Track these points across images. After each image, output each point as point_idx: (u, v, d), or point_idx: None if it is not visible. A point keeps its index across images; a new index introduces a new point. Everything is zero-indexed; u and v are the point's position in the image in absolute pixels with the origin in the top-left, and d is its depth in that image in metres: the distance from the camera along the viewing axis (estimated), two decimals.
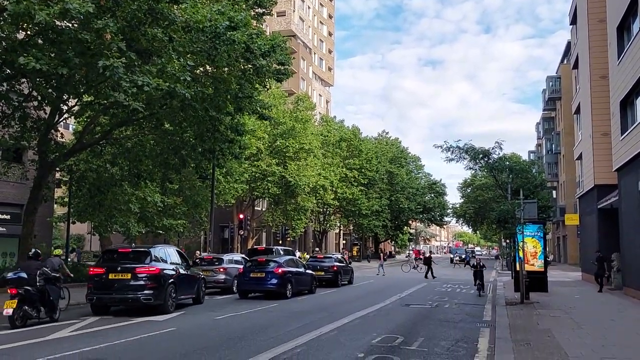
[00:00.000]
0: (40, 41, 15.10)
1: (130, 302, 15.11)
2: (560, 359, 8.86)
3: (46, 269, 13.65)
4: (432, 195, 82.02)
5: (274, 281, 20.16)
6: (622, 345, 10.15)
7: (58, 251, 17.98)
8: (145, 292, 14.89)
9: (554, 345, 10.08)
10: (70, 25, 14.12)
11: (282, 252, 28.10)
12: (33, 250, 14.46)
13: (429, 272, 35.28)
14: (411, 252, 39.49)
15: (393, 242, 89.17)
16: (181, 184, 28.36)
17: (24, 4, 12.50)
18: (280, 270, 20.38)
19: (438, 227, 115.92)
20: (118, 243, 32.46)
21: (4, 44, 14.32)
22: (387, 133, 79.15)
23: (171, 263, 16.56)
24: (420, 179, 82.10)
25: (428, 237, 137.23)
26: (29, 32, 15.12)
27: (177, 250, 17.97)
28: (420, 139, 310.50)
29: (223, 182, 31.90)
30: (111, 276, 14.83)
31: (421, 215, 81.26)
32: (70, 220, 25.98)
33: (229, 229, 42.99)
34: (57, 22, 13.64)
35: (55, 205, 28.97)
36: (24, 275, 13.00)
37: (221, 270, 22.48)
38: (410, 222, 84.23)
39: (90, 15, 12.95)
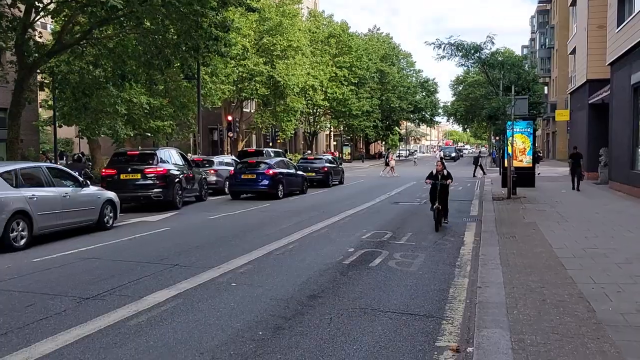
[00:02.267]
0: None
1: (142, 199, 16.35)
2: (544, 250, 9.15)
3: (87, 170, 14.33)
4: (424, 93, 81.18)
5: (265, 182, 20.35)
6: (605, 236, 10.48)
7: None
8: (155, 190, 16.33)
9: (538, 238, 10.38)
10: None
11: (272, 154, 28.16)
12: (76, 154, 15.05)
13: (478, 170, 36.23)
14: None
15: (384, 142, 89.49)
16: (167, 85, 27.73)
17: None
18: (271, 172, 20.52)
19: (428, 127, 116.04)
20: (107, 146, 32.31)
21: None
22: (378, 29, 76.83)
23: (174, 164, 17.68)
24: (411, 77, 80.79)
25: (418, 136, 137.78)
26: None
27: (179, 153, 19.09)
28: (411, 35, 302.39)
29: (209, 82, 31.22)
30: (122, 177, 15.88)
31: (412, 115, 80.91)
32: (57, 124, 25.63)
33: (218, 131, 42.75)
34: None
35: (40, 109, 28.44)
36: None
37: (212, 172, 22.60)
38: (400, 122, 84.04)
39: None
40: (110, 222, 13.23)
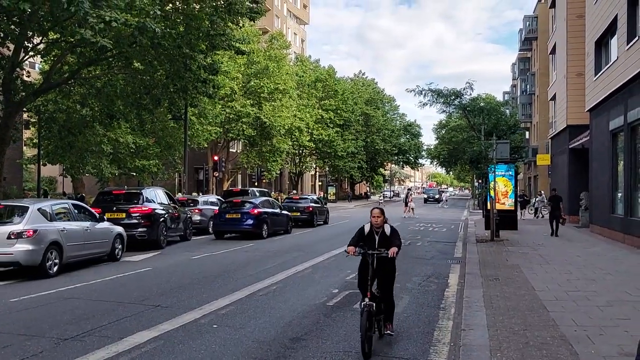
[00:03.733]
0: None
1: (126, 239, 15.80)
2: (527, 292, 9.20)
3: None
4: (408, 136, 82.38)
5: (250, 222, 20.30)
6: (587, 279, 10.57)
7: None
8: (140, 229, 16.23)
9: (521, 280, 10.44)
10: None
11: (257, 194, 28.17)
12: (79, 194, 15.19)
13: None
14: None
15: (368, 183, 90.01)
16: (154, 125, 27.86)
17: None
18: (256, 211, 20.50)
19: (412, 169, 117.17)
20: (91, 185, 32.11)
21: None
22: (363, 74, 78.40)
23: (160, 203, 17.71)
24: (395, 120, 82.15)
25: (403, 178, 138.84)
26: None
27: (165, 192, 19.14)
28: (396, 80, 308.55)
29: (197, 123, 31.44)
30: (107, 215, 15.53)
31: (396, 157, 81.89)
32: (41, 162, 25.51)
33: (203, 171, 42.74)
34: None
35: (24, 147, 28.33)
36: None
37: (196, 211, 22.51)
38: (385, 163, 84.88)
39: None
40: (120, 254, 14.29)
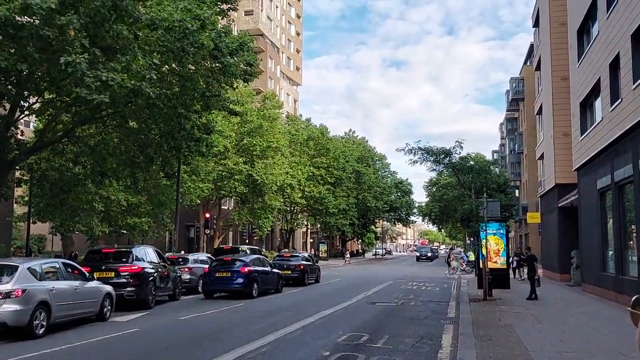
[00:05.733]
0: None
1: (115, 298, 15.51)
2: (520, 353, 9.10)
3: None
4: (399, 194, 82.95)
5: (240, 280, 20.08)
6: (580, 339, 10.48)
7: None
8: (128, 289, 15.97)
9: (515, 341, 10.35)
10: (31, 20, 13.76)
11: (248, 251, 27.98)
12: (73, 252, 15.11)
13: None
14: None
15: (360, 240, 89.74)
16: (146, 183, 27.96)
17: None
18: (246, 270, 20.32)
19: (404, 226, 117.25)
20: (80, 243, 31.81)
21: None
22: (353, 132, 79.67)
23: (150, 262, 17.48)
24: (386, 177, 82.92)
25: (394, 235, 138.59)
26: None
27: (155, 250, 18.89)
28: (386, 138, 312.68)
29: (189, 181, 31.57)
30: (96, 275, 15.28)
31: (388, 214, 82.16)
32: (31, 220, 25.36)
33: (194, 228, 42.56)
34: (18, 18, 13.28)
35: (15, 205, 28.21)
36: None
37: (186, 270, 22.28)
38: (377, 220, 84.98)
39: (53, 11, 12.69)
40: (108, 314, 14.04)
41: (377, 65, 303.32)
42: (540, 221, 36.43)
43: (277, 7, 76.42)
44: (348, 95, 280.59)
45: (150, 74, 15.15)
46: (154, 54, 16.25)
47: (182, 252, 31.07)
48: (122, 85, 14.02)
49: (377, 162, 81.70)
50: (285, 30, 79.73)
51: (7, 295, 10.75)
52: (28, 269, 11.58)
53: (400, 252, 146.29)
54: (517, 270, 29.84)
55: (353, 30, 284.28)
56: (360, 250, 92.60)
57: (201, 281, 21.61)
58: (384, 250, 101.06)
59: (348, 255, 62.82)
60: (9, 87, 16.80)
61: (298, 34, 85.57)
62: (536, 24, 37.23)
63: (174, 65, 18.29)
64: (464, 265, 39.33)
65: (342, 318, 14.78)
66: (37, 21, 13.51)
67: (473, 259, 34.87)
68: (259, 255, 24.67)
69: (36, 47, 13.73)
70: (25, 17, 13.56)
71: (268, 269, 22.60)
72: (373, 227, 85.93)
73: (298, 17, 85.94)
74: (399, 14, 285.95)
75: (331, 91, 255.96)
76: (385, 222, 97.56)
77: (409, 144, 19.10)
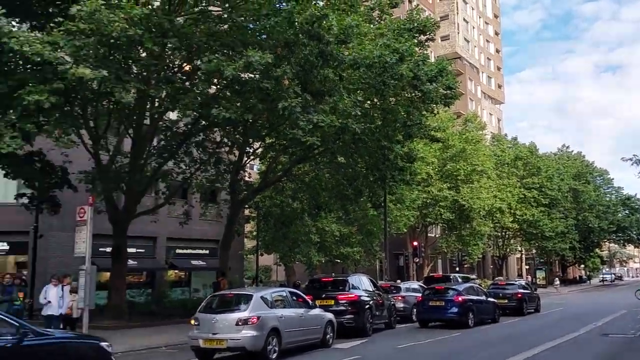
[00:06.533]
0: (228, 93, 16.88)
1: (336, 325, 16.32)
2: None
3: None
4: (627, 212, 73.70)
5: (454, 310, 19.66)
6: None
7: None
8: (347, 316, 16.49)
9: None
10: (252, 76, 15.59)
11: (460, 280, 27.32)
12: (296, 281, 16.27)
13: None
14: None
15: (583, 265, 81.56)
16: (355, 214, 29.26)
17: (215, 62, 14.12)
18: (460, 299, 19.84)
19: (636, 248, 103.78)
20: (300, 272, 34.26)
21: (199, 99, 16.24)
22: (567, 147, 73.57)
23: (365, 290, 17.95)
24: (610, 194, 74.47)
25: (624, 258, 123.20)
26: (218, 87, 16.98)
27: (369, 279, 19.39)
28: (606, 151, 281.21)
29: (395, 210, 32.17)
30: (318, 302, 16.05)
31: (614, 235, 73.51)
32: (259, 253, 28.12)
33: (403, 257, 42.96)
34: (242, 75, 15.13)
35: (245, 240, 31.60)
36: None
37: (399, 298, 22.52)
38: (602, 243, 76.55)
39: (270, 65, 14.20)
40: (331, 341, 14.65)
41: (588, 72, 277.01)
42: None
43: (473, 27, 75.04)
44: (557, 108, 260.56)
45: (355, 111, 16.05)
46: (358, 91, 17.19)
47: (399, 281, 31.55)
48: (331, 125, 15.06)
49: (598, 178, 74.03)
50: (483, 50, 77.73)
51: (245, 322, 11.89)
52: (261, 297, 12.69)
53: (632, 277, 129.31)
54: None
55: (557, 39, 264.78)
56: (585, 276, 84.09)
57: (415, 310, 21.65)
58: (612, 275, 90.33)
59: (557, 282, 57.21)
60: (237, 136, 19.18)
61: (497, 51, 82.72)
62: None
63: (375, 99, 19.10)
64: None
65: (569, 351, 13.58)
66: (257, 76, 15.28)
67: None
68: (472, 284, 23.93)
69: (257, 98, 15.49)
70: (248, 73, 15.42)
71: (483, 297, 21.78)
72: (598, 250, 77.58)
73: (496, 34, 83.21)
74: (610, 14, 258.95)
75: (537, 106, 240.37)
76: (612, 244, 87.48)
77: (637, 155, 17.08)
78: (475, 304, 20.58)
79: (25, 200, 17.52)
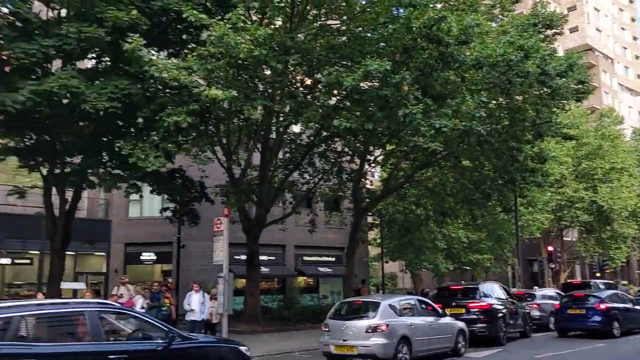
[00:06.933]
0: (347, 103, 17.17)
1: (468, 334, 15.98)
2: None
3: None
4: None
5: (597, 318, 18.27)
6: None
7: None
8: (479, 325, 16.04)
9: None
10: (371, 84, 15.74)
11: (601, 286, 25.34)
12: (424, 289, 16.43)
13: None
14: None
15: None
16: (484, 219, 28.31)
17: (334, 74, 14.46)
18: (602, 306, 18.41)
19: None
20: (427, 280, 33.75)
21: (320, 111, 16.70)
22: None
23: (497, 298, 17.40)
24: None
25: None
26: (338, 97, 17.34)
27: (501, 286, 18.81)
28: None
29: (526, 214, 30.61)
30: (448, 311, 15.83)
31: None
32: (383, 260, 28.15)
33: (537, 263, 40.68)
34: (361, 84, 15.31)
35: (369, 247, 31.79)
36: None
37: (534, 306, 21.40)
38: None
39: (388, 72, 14.24)
40: (463, 350, 14.35)
41: None
42: None
43: (606, 16, 69.60)
44: None
45: (480, 112, 15.58)
46: (481, 92, 16.67)
47: (535, 287, 29.99)
48: (454, 128, 14.75)
49: None
50: (618, 39, 71.73)
51: (374, 329, 11.97)
52: (389, 305, 12.70)
53: None
54: None
55: None
56: None
57: (552, 318, 20.47)
58: None
59: None
60: (358, 145, 19.42)
61: (635, 38, 75.93)
62: None
63: (501, 99, 18.41)
64: None
65: None
66: (376, 84, 15.39)
67: None
68: (616, 291, 22.13)
69: (377, 106, 15.58)
70: (366, 82, 15.59)
71: (629, 305, 20.04)
72: None
73: (633, 20, 76.46)
74: None
75: None
76: None
77: None
78: (621, 312, 19.00)
79: (169, 213, 19.01)
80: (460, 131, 15.07)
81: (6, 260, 21.25)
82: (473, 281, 25.15)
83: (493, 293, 17.48)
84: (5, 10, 14.27)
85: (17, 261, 21.57)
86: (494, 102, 18.02)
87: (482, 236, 29.11)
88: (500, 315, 16.71)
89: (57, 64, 14.65)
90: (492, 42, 16.11)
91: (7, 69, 14.18)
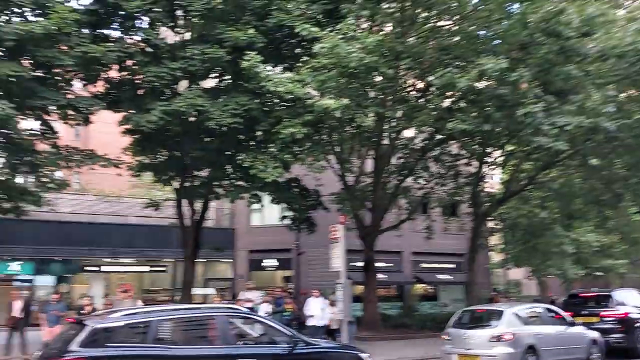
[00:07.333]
0: (462, 104, 16.70)
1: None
2: None
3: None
4: None
5: None
6: None
7: None
8: (615, 335, 14.98)
9: None
10: (487, 84, 15.20)
11: None
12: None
13: None
14: None
15: None
16: (616, 221, 26.20)
17: (447, 76, 14.15)
18: None
19: None
20: (555, 287, 31.76)
21: (434, 114, 16.42)
22: None
23: (635, 307, 16.16)
24: None
25: None
26: (452, 99, 16.95)
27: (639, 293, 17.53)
28: None
29: None
30: (577, 320, 14.89)
31: None
32: (507, 266, 26.95)
33: None
34: (476, 84, 14.84)
35: (491, 253, 30.57)
36: None
37: None
38: None
39: (504, 71, 13.67)
40: None
41: None
42: None
43: None
44: None
45: (607, 107, 14.51)
46: (608, 85, 15.51)
47: None
48: (579, 126, 13.86)
49: None
50: None
51: (499, 338, 11.55)
52: (513, 313, 12.24)
53: None
54: None
55: None
56: None
57: None
58: None
59: None
60: (475, 146, 18.82)
61: None
62: None
63: (632, 91, 17.01)
64: None
65: None
66: (492, 83, 14.84)
67: None
68: None
69: (494, 106, 15.02)
70: (482, 82, 15.08)
71: None
72: None
73: None
74: None
75: None
76: None
77: None
78: None
79: (288, 221, 19.66)
80: (586, 128, 14.09)
81: (144, 268, 23.14)
82: (606, 288, 23.33)
83: (629, 301, 16.20)
84: (137, 38, 15.71)
85: (153, 269, 23.37)
86: (622, 95, 16.65)
87: (615, 239, 26.94)
88: (638, 324, 15.44)
89: (183, 84, 15.81)
90: (619, 31, 14.89)
91: (140, 92, 15.57)
